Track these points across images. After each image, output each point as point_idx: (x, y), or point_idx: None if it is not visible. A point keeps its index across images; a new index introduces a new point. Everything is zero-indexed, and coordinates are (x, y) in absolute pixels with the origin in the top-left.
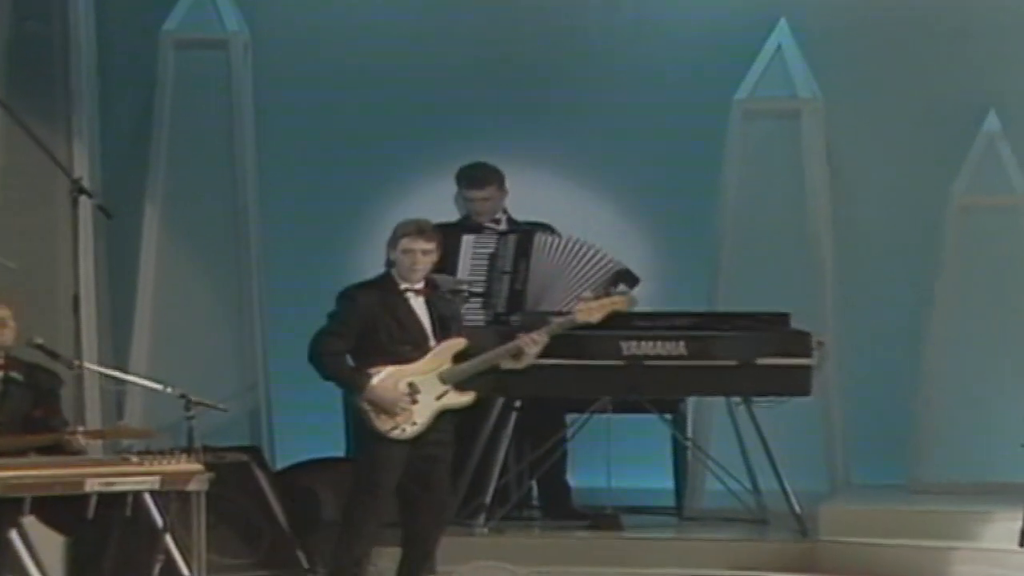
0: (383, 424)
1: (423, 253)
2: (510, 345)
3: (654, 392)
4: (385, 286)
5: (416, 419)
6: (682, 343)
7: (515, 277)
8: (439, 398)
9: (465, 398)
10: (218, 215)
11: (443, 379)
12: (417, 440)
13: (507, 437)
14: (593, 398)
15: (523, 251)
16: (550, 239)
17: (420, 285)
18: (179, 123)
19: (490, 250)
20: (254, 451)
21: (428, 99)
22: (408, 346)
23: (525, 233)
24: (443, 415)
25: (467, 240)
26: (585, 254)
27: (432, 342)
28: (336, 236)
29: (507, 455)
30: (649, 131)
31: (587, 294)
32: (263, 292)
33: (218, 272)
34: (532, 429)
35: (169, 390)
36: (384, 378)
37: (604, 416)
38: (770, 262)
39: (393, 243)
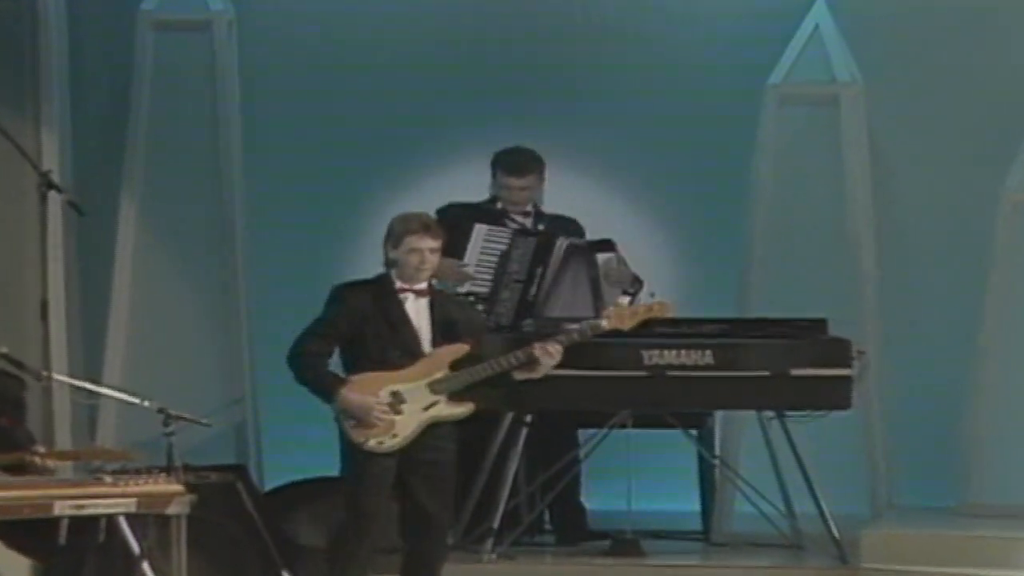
0: (357, 435)
1: (431, 252)
2: (519, 353)
3: (678, 405)
4: (381, 287)
5: (397, 431)
6: (709, 352)
7: (527, 287)
8: (427, 409)
9: (459, 410)
10: (201, 212)
11: (434, 389)
12: (406, 455)
13: (517, 455)
14: (611, 412)
15: (540, 257)
16: (567, 243)
17: (423, 286)
18: (158, 111)
19: (502, 246)
20: (240, 470)
21: (432, 85)
22: (397, 351)
23: (545, 236)
24: (438, 428)
25: (479, 230)
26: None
27: (427, 348)
28: (331, 234)
29: (517, 475)
30: (674, 120)
31: (622, 299)
32: (250, 296)
33: (201, 274)
34: (544, 446)
35: (146, 404)
36: (361, 384)
37: (623, 432)
38: (806, 263)
39: (395, 242)
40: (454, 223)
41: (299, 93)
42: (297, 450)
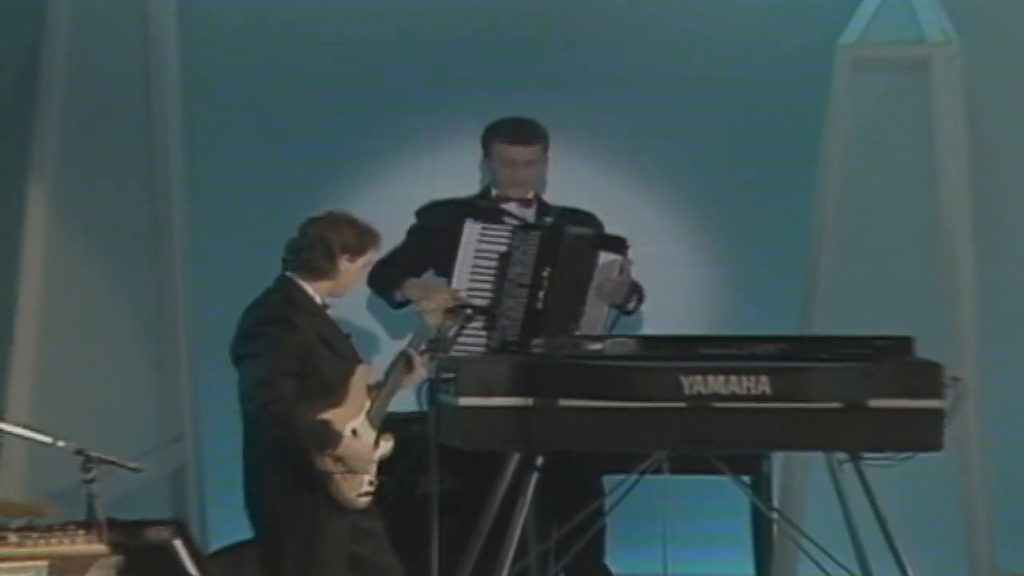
0: (350, 488)
1: None
2: (400, 360)
3: (727, 445)
4: (302, 303)
5: (372, 477)
6: (765, 378)
7: (534, 292)
8: (376, 445)
9: (390, 443)
10: (130, 210)
11: (372, 420)
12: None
13: (526, 506)
14: (643, 454)
15: (548, 254)
16: (578, 235)
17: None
18: (77, 84)
19: (501, 248)
20: (178, 526)
21: (410, 63)
22: (343, 381)
23: (552, 229)
24: None
25: (470, 229)
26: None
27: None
28: (286, 237)
29: (526, 530)
30: (718, 90)
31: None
32: (191, 312)
33: (130, 285)
34: (560, 496)
35: (61, 444)
36: (342, 426)
37: (659, 478)
38: (886, 268)
39: (355, 253)
40: (441, 225)
41: (252, 63)
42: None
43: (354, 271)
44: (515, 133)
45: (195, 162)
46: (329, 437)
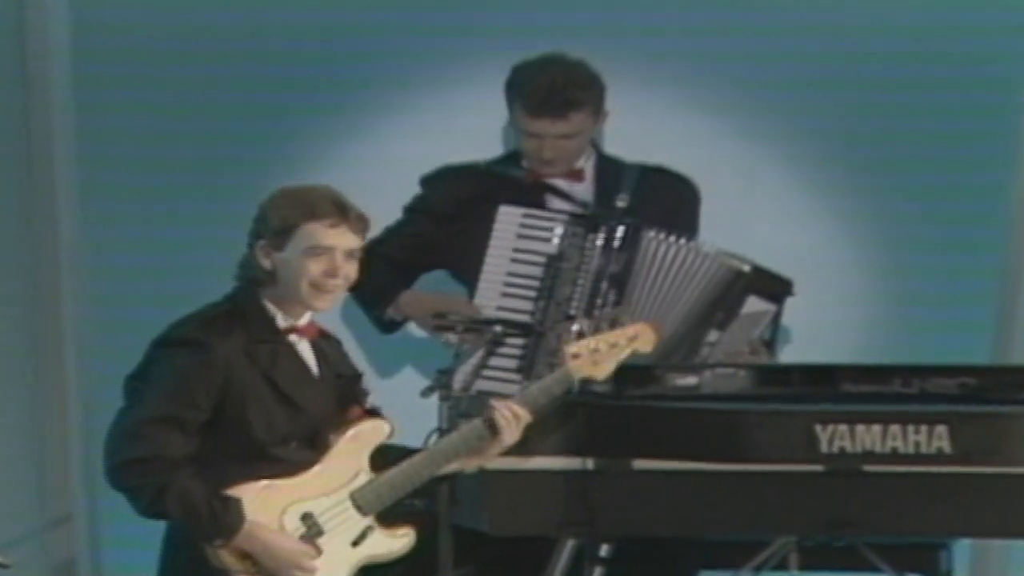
0: None
1: (346, 257)
2: (478, 423)
3: (885, 529)
4: (253, 321)
5: None
6: (943, 429)
7: (601, 311)
8: (357, 542)
9: (400, 543)
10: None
11: (360, 503)
12: None
13: None
14: (760, 540)
15: (620, 267)
16: (673, 244)
17: (305, 321)
18: None
19: (550, 248)
20: None
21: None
22: (294, 441)
23: (627, 229)
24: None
25: (507, 217)
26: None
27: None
28: (199, 256)
29: None
30: (876, 54)
31: (579, 325)
32: (82, 345)
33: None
34: None
35: None
36: (261, 507)
37: None
38: None
39: (279, 236)
40: (456, 203)
41: (160, 48)
42: None
43: (291, 265)
44: (541, 101)
45: (88, 168)
46: (220, 522)
